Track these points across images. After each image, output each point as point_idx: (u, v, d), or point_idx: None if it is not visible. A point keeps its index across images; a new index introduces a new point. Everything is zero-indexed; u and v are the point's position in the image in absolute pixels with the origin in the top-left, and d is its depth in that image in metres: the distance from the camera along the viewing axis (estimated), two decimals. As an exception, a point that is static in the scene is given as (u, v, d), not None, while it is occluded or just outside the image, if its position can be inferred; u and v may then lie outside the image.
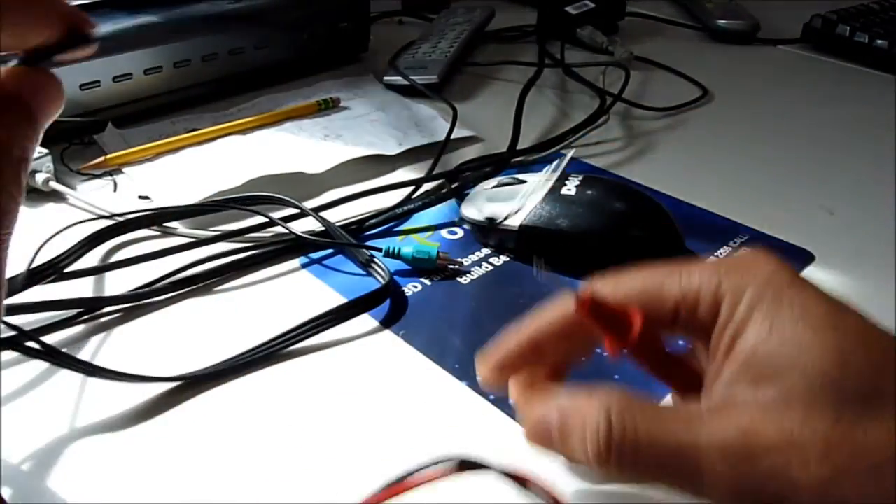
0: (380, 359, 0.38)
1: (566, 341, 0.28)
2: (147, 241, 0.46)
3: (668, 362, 0.28)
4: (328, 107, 0.63)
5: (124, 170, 0.52)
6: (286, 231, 0.46)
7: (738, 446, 0.21)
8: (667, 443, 0.23)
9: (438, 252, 0.44)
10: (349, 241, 0.45)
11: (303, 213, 0.48)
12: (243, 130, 0.58)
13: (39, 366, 0.36)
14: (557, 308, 0.28)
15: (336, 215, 0.48)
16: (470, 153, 0.58)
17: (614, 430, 0.23)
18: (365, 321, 0.40)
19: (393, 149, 0.57)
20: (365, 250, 0.44)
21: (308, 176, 0.52)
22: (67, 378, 0.35)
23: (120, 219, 0.46)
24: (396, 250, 0.44)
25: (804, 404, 0.21)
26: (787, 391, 0.21)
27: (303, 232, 0.45)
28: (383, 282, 0.42)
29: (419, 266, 0.44)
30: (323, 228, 0.46)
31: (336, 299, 0.42)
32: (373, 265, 0.44)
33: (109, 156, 0.52)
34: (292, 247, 0.45)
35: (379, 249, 0.44)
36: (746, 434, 0.21)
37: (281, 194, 0.48)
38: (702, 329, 0.25)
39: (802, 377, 0.21)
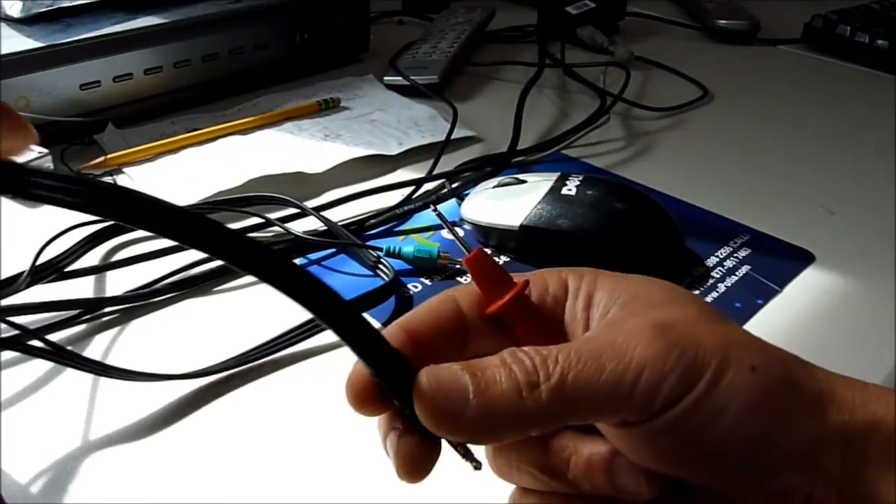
0: (380, 359, 0.38)
1: (441, 334, 0.25)
2: (147, 241, 0.46)
3: (532, 335, 0.26)
4: (328, 107, 0.63)
5: (124, 170, 0.53)
6: (286, 231, 0.46)
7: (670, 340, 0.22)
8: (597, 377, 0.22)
9: (439, 251, 0.44)
10: (353, 241, 0.45)
11: (304, 213, 0.48)
12: (243, 130, 0.58)
13: (36, 368, 0.36)
14: (434, 302, 0.26)
15: (336, 215, 0.48)
16: (470, 153, 0.58)
17: (541, 375, 0.22)
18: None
19: (393, 149, 0.57)
20: (370, 250, 0.44)
21: (308, 176, 0.52)
22: (68, 379, 0.35)
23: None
24: (397, 250, 0.44)
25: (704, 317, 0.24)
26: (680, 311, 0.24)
27: (303, 232, 0.45)
28: (388, 279, 0.42)
29: (420, 265, 0.44)
30: (325, 228, 0.46)
31: (336, 299, 0.42)
32: (378, 263, 0.44)
33: (110, 156, 0.52)
34: (292, 247, 0.45)
35: (380, 249, 0.44)
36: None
37: (282, 194, 0.48)
38: (555, 302, 0.26)
39: (691, 302, 0.25)
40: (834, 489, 0.23)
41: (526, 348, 0.23)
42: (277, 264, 0.19)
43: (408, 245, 0.44)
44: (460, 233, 0.48)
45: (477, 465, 0.24)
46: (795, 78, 0.78)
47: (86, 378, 0.36)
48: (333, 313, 0.20)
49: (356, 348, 0.21)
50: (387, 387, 0.23)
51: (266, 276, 0.19)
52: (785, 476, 0.23)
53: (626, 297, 0.25)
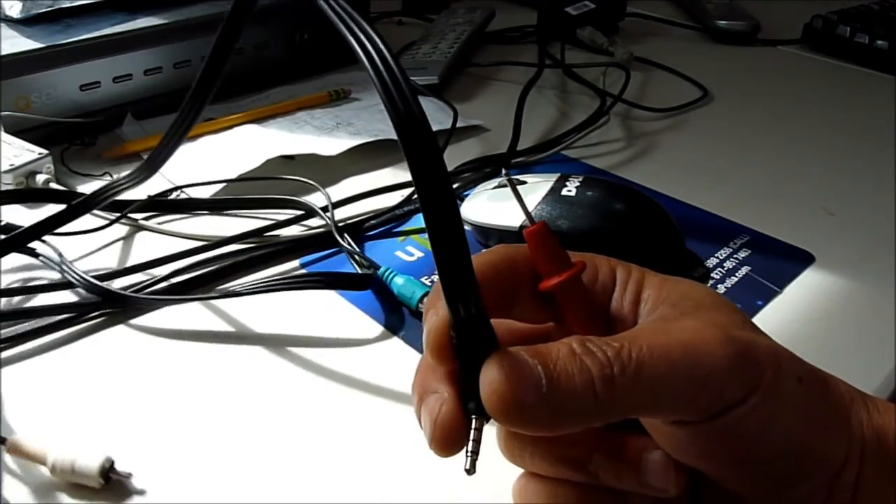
0: (380, 360, 0.38)
1: (493, 293, 0.25)
2: (147, 240, 0.46)
3: (578, 318, 0.26)
4: (339, 97, 0.64)
5: (144, 156, 0.54)
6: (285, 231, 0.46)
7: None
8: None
9: (424, 296, 0.41)
10: (352, 248, 0.45)
11: (312, 213, 0.48)
12: (258, 119, 0.59)
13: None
14: (492, 258, 0.26)
15: (336, 215, 0.48)
16: (476, 143, 0.59)
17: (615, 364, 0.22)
18: (365, 322, 0.40)
19: None
20: (364, 260, 0.44)
21: (322, 158, 0.54)
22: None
23: (120, 218, 0.46)
24: (390, 277, 0.42)
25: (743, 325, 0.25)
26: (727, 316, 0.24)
27: (302, 232, 0.46)
28: (367, 271, 0.42)
29: (401, 301, 0.42)
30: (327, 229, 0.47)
31: (335, 299, 0.42)
32: (361, 265, 0.43)
33: (129, 142, 0.54)
34: (292, 247, 0.46)
35: (378, 267, 0.43)
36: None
37: (296, 188, 0.48)
38: (602, 290, 0.27)
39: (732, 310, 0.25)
40: (848, 495, 0.23)
41: (593, 339, 0.22)
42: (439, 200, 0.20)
43: (400, 277, 0.42)
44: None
45: (471, 471, 0.22)
46: (795, 78, 0.78)
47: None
48: (450, 257, 0.20)
49: (456, 295, 0.21)
50: (462, 349, 0.22)
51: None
52: (811, 482, 0.23)
53: (674, 297, 0.25)
